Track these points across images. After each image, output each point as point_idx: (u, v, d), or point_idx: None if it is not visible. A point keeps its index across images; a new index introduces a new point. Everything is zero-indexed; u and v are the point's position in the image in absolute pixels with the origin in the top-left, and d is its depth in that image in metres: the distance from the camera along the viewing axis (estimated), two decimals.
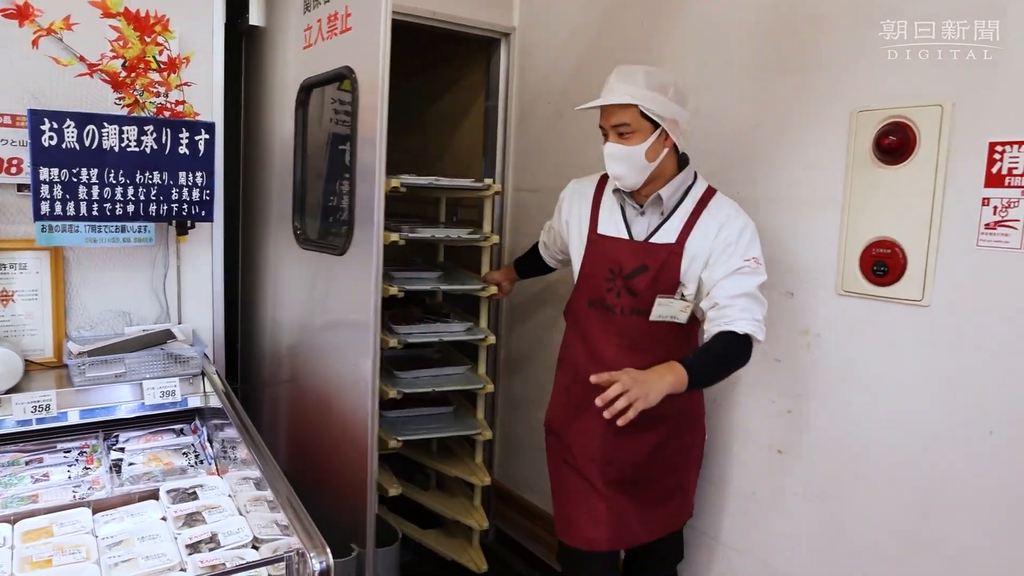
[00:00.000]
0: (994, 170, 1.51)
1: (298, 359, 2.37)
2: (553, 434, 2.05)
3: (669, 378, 1.60)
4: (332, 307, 2.16)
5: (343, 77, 1.91)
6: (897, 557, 1.73)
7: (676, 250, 1.79)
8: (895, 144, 1.66)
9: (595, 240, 1.92)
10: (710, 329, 1.73)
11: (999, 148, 1.50)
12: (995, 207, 1.51)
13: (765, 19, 1.98)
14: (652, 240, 1.83)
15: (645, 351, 1.83)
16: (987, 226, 1.53)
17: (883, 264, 1.71)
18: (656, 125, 1.73)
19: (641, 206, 1.86)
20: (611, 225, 1.90)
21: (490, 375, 2.78)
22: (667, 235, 1.82)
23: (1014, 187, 1.48)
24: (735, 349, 1.70)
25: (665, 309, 1.80)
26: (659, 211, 1.84)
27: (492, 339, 2.62)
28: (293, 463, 2.36)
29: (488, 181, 2.57)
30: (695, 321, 1.86)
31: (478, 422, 2.67)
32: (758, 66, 2.00)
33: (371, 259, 1.86)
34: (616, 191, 1.89)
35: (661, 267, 1.80)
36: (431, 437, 2.65)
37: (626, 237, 1.87)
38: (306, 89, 2.19)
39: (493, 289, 2.55)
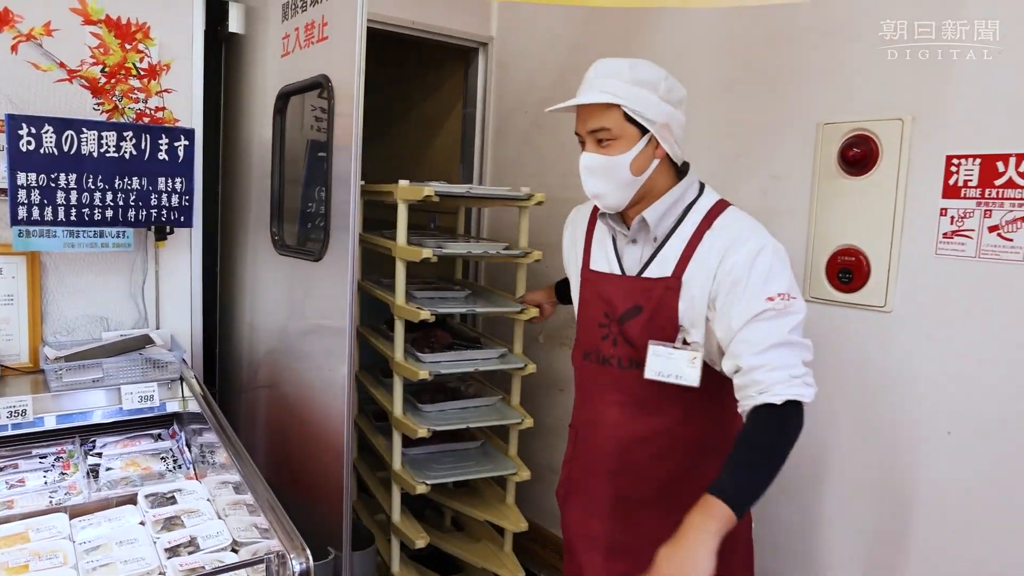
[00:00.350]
0: (951, 182, 1.58)
1: (276, 364, 2.37)
2: (561, 507, 1.77)
3: (711, 527, 1.18)
4: (308, 312, 2.16)
5: (319, 86, 1.92)
6: (864, 554, 1.79)
7: (672, 285, 1.43)
8: (859, 156, 1.72)
9: (587, 278, 1.61)
10: (743, 405, 1.34)
11: (955, 161, 1.57)
12: (952, 217, 1.58)
13: (737, 34, 2.05)
14: (646, 274, 1.48)
15: (653, 412, 1.50)
16: (945, 235, 1.60)
17: (848, 271, 1.77)
18: (644, 130, 1.40)
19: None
20: (602, 259, 1.58)
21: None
22: (662, 267, 1.46)
23: (969, 199, 1.55)
24: (781, 430, 1.27)
25: (664, 364, 1.42)
26: (651, 237, 1.49)
27: (532, 367, 2.26)
28: (270, 467, 2.36)
29: (526, 189, 2.23)
30: (713, 370, 1.45)
31: (512, 460, 2.33)
32: (729, 79, 2.06)
33: (346, 265, 1.86)
34: (603, 215, 1.56)
35: (656, 308, 1.45)
36: (466, 479, 2.31)
37: (617, 272, 1.54)
38: (284, 97, 2.20)
39: (534, 311, 2.20)
